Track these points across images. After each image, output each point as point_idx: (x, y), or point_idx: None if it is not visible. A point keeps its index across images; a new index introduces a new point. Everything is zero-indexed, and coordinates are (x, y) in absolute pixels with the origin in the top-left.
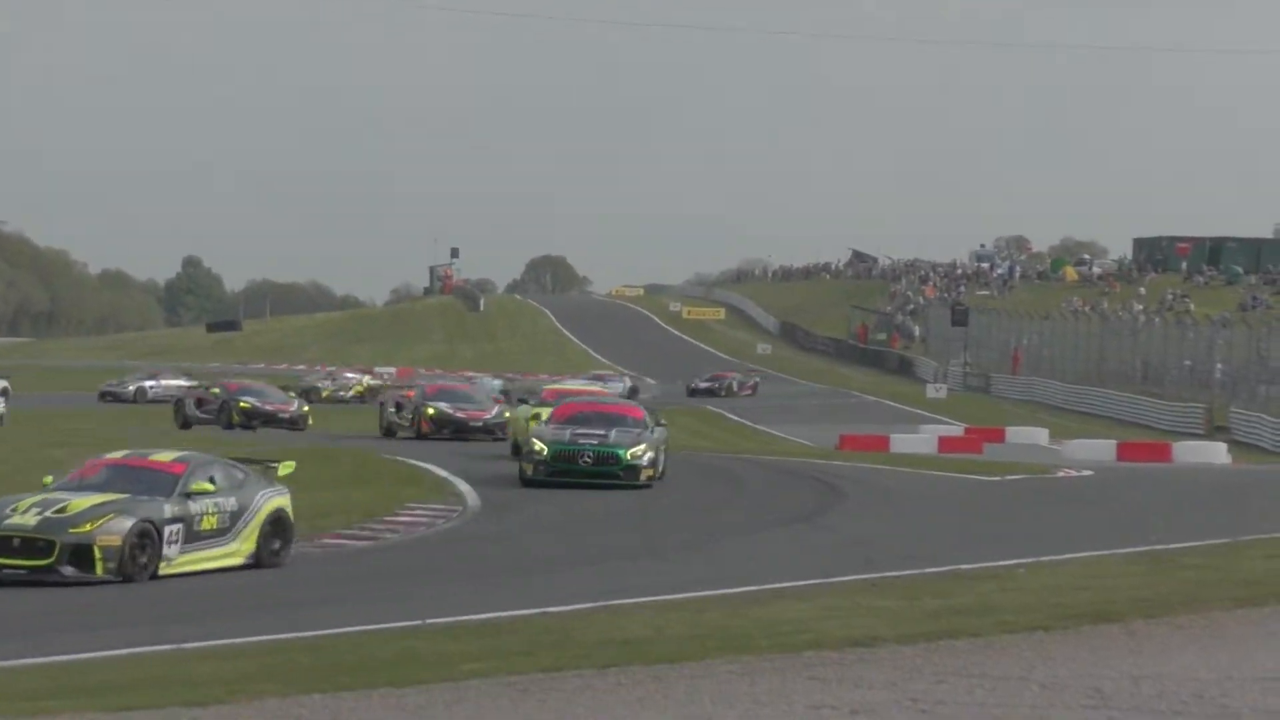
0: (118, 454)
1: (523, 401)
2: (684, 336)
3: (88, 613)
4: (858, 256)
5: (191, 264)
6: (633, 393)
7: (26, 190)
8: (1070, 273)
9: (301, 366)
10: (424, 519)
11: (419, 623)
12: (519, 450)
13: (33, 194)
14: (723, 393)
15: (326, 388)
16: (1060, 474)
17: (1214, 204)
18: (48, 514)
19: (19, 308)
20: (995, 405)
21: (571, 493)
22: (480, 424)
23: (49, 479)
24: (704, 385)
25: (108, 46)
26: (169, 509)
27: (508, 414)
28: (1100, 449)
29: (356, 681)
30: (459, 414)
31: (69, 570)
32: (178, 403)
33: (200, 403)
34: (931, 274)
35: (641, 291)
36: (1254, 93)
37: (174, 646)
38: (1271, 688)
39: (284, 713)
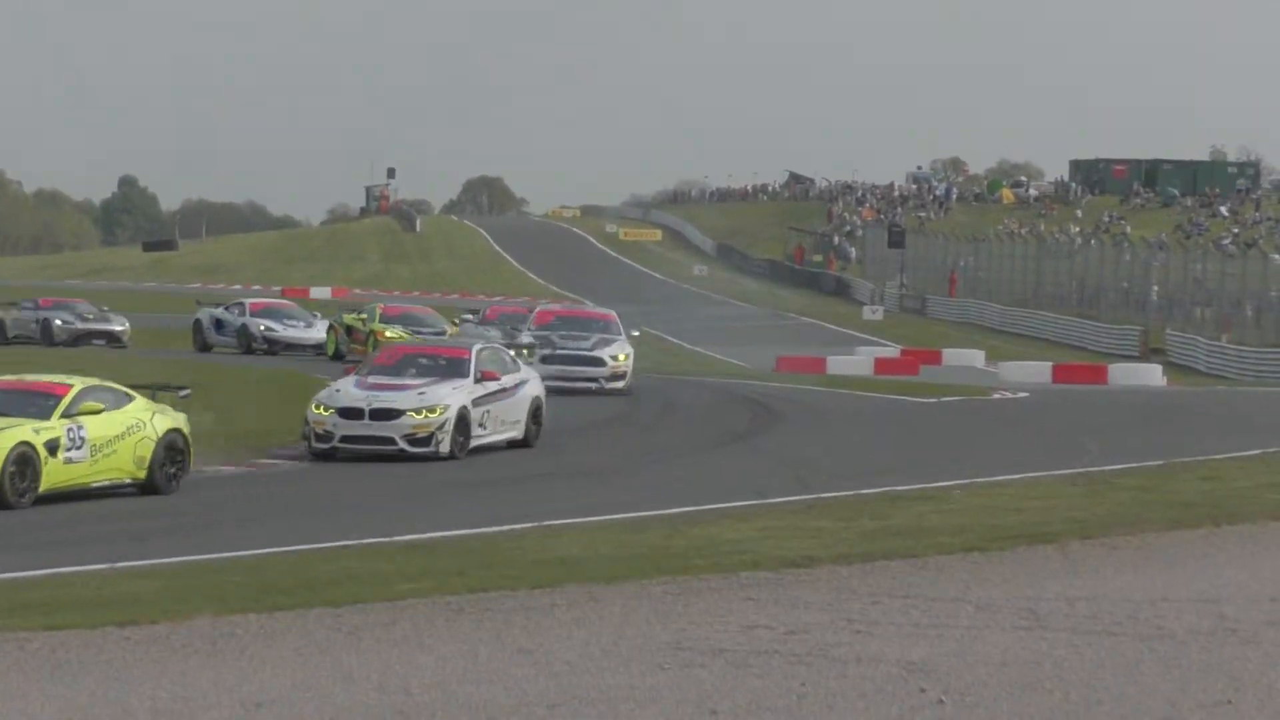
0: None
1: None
2: (621, 258)
3: (14, 532)
4: (794, 178)
5: (127, 183)
6: None
7: None
8: (1007, 195)
9: (237, 286)
10: None
11: (350, 542)
12: None
13: None
14: None
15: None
16: (996, 396)
17: (1150, 126)
18: None
19: None
20: (931, 327)
21: None
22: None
23: None
24: None
25: None
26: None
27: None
28: (1036, 371)
29: (292, 601)
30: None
31: None
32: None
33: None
34: (869, 196)
35: (578, 213)
36: (1188, 13)
37: (106, 566)
38: (1205, 609)
39: (218, 632)
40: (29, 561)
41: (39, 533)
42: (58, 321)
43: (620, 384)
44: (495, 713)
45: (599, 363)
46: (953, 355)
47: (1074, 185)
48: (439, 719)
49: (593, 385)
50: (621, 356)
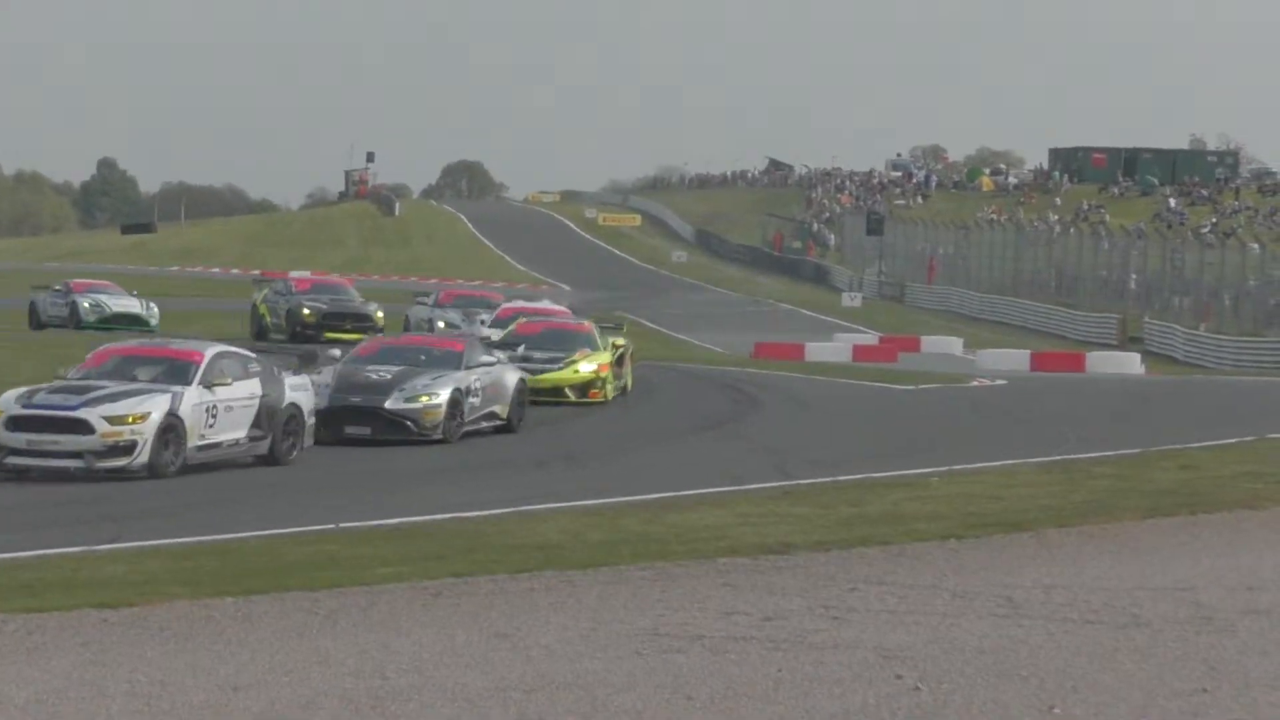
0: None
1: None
2: (600, 243)
3: None
4: (774, 165)
5: (106, 166)
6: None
7: None
8: (986, 182)
9: (216, 269)
10: None
11: (332, 527)
12: None
13: None
14: None
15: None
16: (974, 383)
17: (1129, 115)
18: None
19: None
20: (910, 314)
21: None
22: None
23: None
24: None
25: None
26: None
27: None
28: (1014, 359)
29: (269, 585)
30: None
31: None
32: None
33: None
34: (848, 182)
35: (558, 198)
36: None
37: (83, 549)
38: (1181, 597)
39: (195, 615)
40: (9, 543)
41: (16, 514)
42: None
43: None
44: (472, 697)
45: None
46: (931, 343)
47: (1057, 173)
48: (416, 703)
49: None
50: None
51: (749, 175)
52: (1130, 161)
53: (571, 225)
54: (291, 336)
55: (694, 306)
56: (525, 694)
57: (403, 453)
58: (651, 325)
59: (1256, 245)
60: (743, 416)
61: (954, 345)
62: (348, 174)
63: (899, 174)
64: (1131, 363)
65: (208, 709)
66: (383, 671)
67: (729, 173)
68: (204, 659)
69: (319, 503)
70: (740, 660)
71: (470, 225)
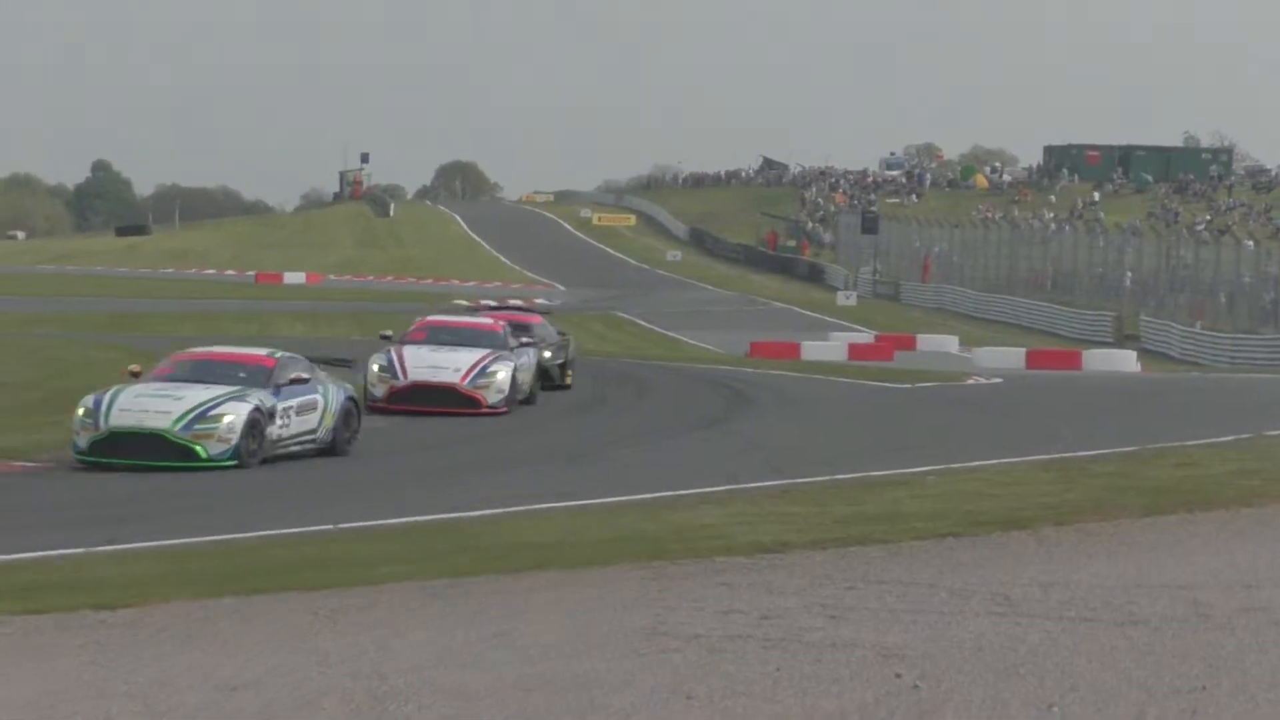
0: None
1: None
2: (595, 243)
3: None
4: (768, 163)
5: (101, 168)
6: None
7: None
8: (981, 180)
9: (211, 271)
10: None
11: (330, 527)
12: None
13: None
14: None
15: None
16: (970, 382)
17: (1123, 113)
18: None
19: None
20: (905, 313)
21: None
22: None
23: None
24: None
25: None
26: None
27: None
28: (1010, 356)
29: (269, 584)
30: None
31: None
32: None
33: None
34: (842, 181)
35: (552, 198)
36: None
37: (82, 550)
38: (1179, 595)
39: (194, 615)
40: (8, 545)
41: (13, 516)
42: None
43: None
44: (470, 697)
45: None
46: (927, 341)
47: (1060, 169)
48: (415, 703)
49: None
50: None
51: (743, 174)
52: (1124, 159)
53: (566, 225)
54: None
55: (688, 305)
56: (524, 693)
57: (394, 454)
58: (646, 324)
59: (1251, 242)
60: (738, 415)
61: (950, 344)
62: (342, 175)
63: (894, 172)
64: (1127, 360)
65: (206, 709)
66: (381, 671)
67: (723, 172)
68: (203, 659)
69: (317, 502)
70: (738, 659)
71: (465, 226)
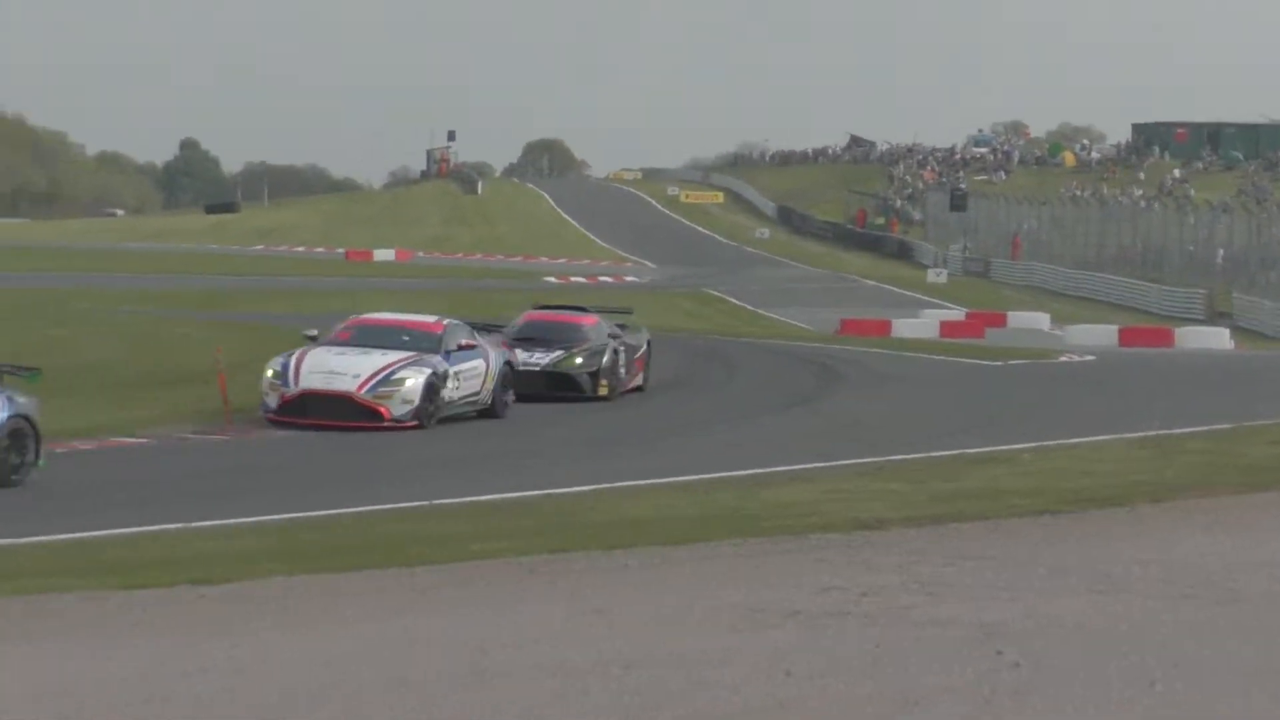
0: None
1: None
2: (682, 220)
3: (83, 493)
4: (855, 141)
5: (189, 146)
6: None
7: (24, 73)
8: (1069, 158)
9: (300, 248)
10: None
11: (425, 503)
12: None
13: (30, 76)
14: None
15: None
16: (1063, 359)
17: (1212, 89)
18: None
19: (18, 189)
20: (995, 290)
21: None
22: None
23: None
24: None
25: None
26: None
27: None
28: (1102, 334)
29: (365, 561)
30: None
31: None
32: None
33: None
34: (930, 158)
35: (639, 175)
36: None
37: (182, 525)
38: (1277, 572)
39: (291, 590)
40: (101, 521)
41: (113, 492)
42: None
43: None
44: (572, 673)
45: None
46: (1018, 318)
47: (1149, 146)
48: (515, 679)
49: None
50: None
51: (830, 152)
52: (1213, 136)
53: (654, 203)
54: None
55: (777, 283)
56: (624, 669)
57: (486, 434)
58: (736, 301)
59: None
60: (830, 393)
61: (1041, 321)
62: (429, 153)
63: (982, 150)
64: (1220, 338)
65: (304, 684)
66: (482, 647)
67: (810, 149)
68: (300, 634)
69: (409, 480)
70: (838, 636)
71: (553, 203)
